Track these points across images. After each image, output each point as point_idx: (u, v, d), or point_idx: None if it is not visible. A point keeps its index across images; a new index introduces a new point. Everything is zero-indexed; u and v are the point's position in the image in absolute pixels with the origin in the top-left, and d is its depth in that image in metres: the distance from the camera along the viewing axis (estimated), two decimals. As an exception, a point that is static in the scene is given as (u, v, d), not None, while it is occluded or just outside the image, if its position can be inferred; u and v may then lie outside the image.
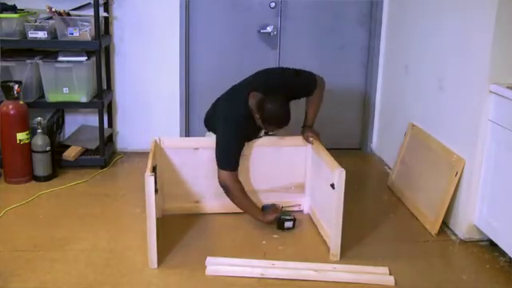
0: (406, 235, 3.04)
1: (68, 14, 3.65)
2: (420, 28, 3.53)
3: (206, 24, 4.12)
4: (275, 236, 2.96)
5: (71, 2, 3.77)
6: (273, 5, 4.08)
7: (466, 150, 2.92)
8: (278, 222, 3.01)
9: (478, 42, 2.79)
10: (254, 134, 3.12)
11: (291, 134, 3.22)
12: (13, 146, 3.53)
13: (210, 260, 2.66)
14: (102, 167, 3.87)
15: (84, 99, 3.76)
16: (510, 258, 2.72)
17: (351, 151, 4.40)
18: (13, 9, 3.68)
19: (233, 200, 2.97)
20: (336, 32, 4.21)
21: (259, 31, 4.12)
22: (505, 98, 2.63)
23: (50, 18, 3.72)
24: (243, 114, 2.95)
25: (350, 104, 4.39)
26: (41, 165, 3.61)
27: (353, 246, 2.85)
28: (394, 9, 4.02)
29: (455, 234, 3.00)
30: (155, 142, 3.04)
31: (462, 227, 2.96)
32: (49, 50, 3.83)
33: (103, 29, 3.90)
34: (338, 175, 2.64)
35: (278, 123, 2.91)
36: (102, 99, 3.81)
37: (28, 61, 3.67)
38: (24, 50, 3.79)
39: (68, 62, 3.70)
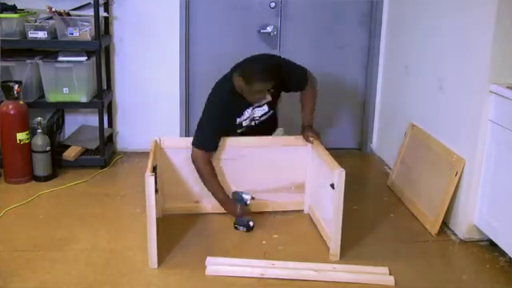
0: (405, 235, 3.04)
1: (68, 14, 3.65)
2: (420, 28, 3.53)
3: (206, 24, 4.12)
4: (275, 236, 2.96)
5: (71, 2, 3.77)
6: (273, 5, 4.08)
7: (466, 149, 2.92)
8: (235, 223, 3.02)
9: (478, 41, 2.79)
10: (239, 112, 3.05)
11: (292, 134, 3.23)
12: (13, 146, 3.53)
13: (209, 260, 2.66)
14: (102, 167, 3.87)
15: (84, 99, 3.76)
16: (510, 257, 2.72)
17: (351, 151, 4.40)
18: (13, 9, 3.68)
19: (202, 181, 3.02)
20: (336, 32, 4.21)
21: (259, 31, 4.12)
22: (505, 98, 2.63)
23: (50, 18, 3.72)
24: (228, 89, 2.95)
25: (349, 104, 4.39)
26: (41, 165, 3.61)
27: (353, 246, 2.85)
28: (393, 9, 4.02)
29: (455, 234, 3.00)
30: (155, 142, 3.04)
31: (462, 227, 2.96)
32: (49, 50, 3.83)
33: (103, 29, 3.89)
34: (338, 175, 2.64)
35: (259, 80, 2.82)
36: (102, 99, 3.81)
37: (28, 61, 3.67)
38: (24, 50, 3.79)
39: (68, 61, 3.70)
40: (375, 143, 4.37)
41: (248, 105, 3.03)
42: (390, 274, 2.59)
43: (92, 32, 3.64)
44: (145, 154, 2.86)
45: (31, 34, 3.62)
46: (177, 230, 2.96)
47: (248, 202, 3.02)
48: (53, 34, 3.67)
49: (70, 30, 3.62)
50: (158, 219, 2.61)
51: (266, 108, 3.12)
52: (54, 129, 3.85)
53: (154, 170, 2.73)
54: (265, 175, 3.15)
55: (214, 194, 3.06)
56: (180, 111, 4.19)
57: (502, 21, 2.65)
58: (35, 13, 3.80)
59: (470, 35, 2.89)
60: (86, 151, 3.92)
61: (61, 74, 3.71)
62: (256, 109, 3.08)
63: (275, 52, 4.15)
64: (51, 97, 3.75)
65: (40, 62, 3.67)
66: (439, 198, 3.03)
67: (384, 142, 4.21)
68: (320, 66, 3.97)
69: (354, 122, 4.44)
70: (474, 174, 2.84)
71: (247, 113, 3.08)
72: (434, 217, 3.05)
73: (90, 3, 3.71)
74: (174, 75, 4.12)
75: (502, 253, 2.76)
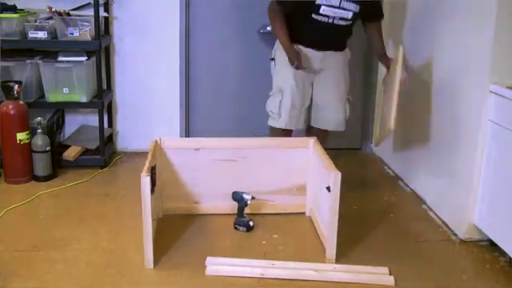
0: (405, 235, 3.04)
1: (68, 14, 3.66)
2: (420, 28, 3.53)
3: (206, 24, 4.12)
4: (275, 236, 2.96)
5: (71, 2, 3.77)
6: (273, 5, 4.08)
7: (466, 149, 2.92)
8: (235, 223, 3.02)
9: (478, 42, 2.79)
10: None
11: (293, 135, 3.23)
12: (13, 146, 3.53)
13: (210, 260, 2.66)
14: (102, 167, 3.87)
15: (84, 99, 3.76)
16: (510, 257, 2.72)
17: (351, 151, 4.40)
18: (13, 9, 3.68)
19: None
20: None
21: (259, 31, 4.12)
22: (505, 98, 2.63)
23: (50, 18, 3.72)
24: None
25: (349, 104, 4.39)
26: (41, 165, 3.61)
27: (353, 245, 2.85)
28: (394, 9, 4.02)
29: (455, 234, 3.00)
30: (155, 142, 3.04)
31: (461, 227, 2.96)
32: (49, 50, 3.83)
33: (103, 29, 3.90)
34: (334, 178, 2.63)
35: None
36: (102, 99, 3.82)
37: (28, 61, 3.67)
38: (24, 50, 3.79)
39: (68, 62, 3.70)
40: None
41: None
42: (390, 274, 2.59)
43: (92, 32, 3.64)
44: (145, 154, 2.86)
45: (31, 34, 3.62)
46: (177, 230, 2.97)
47: (248, 203, 3.02)
48: (53, 34, 3.67)
49: (70, 29, 3.62)
50: (158, 219, 2.61)
51: (349, 14, 3.17)
52: (54, 129, 3.85)
53: (153, 169, 2.73)
54: (266, 177, 3.15)
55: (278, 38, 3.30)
56: (180, 111, 4.19)
57: (502, 21, 2.65)
58: (35, 13, 3.81)
59: (470, 35, 2.89)
60: (86, 151, 3.92)
61: (61, 74, 3.72)
62: (344, 2, 3.12)
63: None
64: (51, 97, 3.75)
65: (40, 62, 3.67)
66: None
67: (384, 142, 4.20)
68: (320, 65, 3.97)
69: (354, 121, 4.42)
70: (474, 173, 2.84)
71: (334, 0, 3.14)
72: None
73: (89, 3, 3.71)
74: (174, 75, 4.12)
75: (502, 253, 2.76)
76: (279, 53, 3.32)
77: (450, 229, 3.06)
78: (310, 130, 3.51)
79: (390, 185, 3.74)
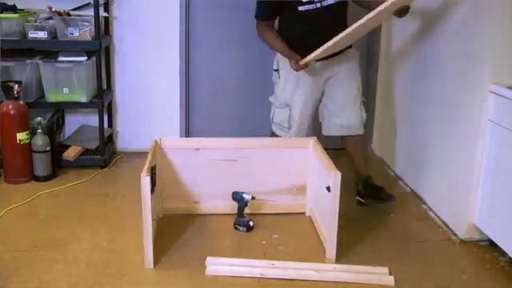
0: (405, 235, 3.04)
1: (68, 14, 3.66)
2: (420, 27, 3.53)
3: (206, 24, 4.12)
4: (275, 236, 2.96)
5: (71, 2, 3.77)
6: (273, 5, 4.08)
7: (466, 149, 2.92)
8: (235, 223, 3.02)
9: (478, 42, 2.79)
10: None
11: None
12: (13, 146, 3.53)
13: (210, 260, 2.66)
14: (102, 167, 3.87)
15: (84, 99, 3.76)
16: (510, 257, 2.72)
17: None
18: (13, 9, 3.68)
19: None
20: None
21: (259, 31, 4.12)
22: (505, 98, 2.62)
23: (50, 18, 3.72)
24: None
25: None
26: (41, 165, 3.61)
27: (353, 246, 2.85)
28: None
29: (455, 234, 3.00)
30: (155, 142, 3.04)
31: (462, 227, 2.96)
32: (49, 50, 3.83)
33: (103, 29, 3.89)
34: (334, 178, 2.63)
35: None
36: (102, 99, 3.82)
37: (28, 61, 3.67)
38: (24, 49, 3.79)
39: (68, 62, 3.70)
40: (375, 143, 4.37)
41: None
42: (390, 274, 2.59)
43: (92, 32, 3.64)
44: (145, 154, 2.86)
45: (31, 34, 3.62)
46: (177, 230, 2.97)
47: (248, 203, 3.02)
48: (53, 34, 3.67)
49: (70, 29, 3.62)
50: (158, 219, 2.61)
51: None
52: (54, 129, 3.85)
53: (153, 169, 2.73)
54: (266, 177, 3.15)
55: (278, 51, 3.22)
56: (180, 111, 4.19)
57: (502, 21, 2.65)
58: (35, 13, 3.81)
59: (470, 35, 2.89)
60: (86, 151, 3.92)
61: (61, 74, 3.72)
62: None
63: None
64: (51, 97, 3.75)
65: (40, 62, 3.67)
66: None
67: (385, 143, 4.21)
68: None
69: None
70: (474, 173, 2.84)
71: None
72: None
73: (89, 3, 3.71)
74: (174, 75, 4.12)
75: (502, 253, 2.76)
76: (282, 64, 3.23)
77: (450, 229, 3.06)
78: (344, 142, 3.39)
79: (390, 185, 3.74)
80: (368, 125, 4.33)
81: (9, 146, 3.54)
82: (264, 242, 2.89)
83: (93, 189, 3.55)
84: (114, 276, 2.54)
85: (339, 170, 2.65)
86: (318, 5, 3.01)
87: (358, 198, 3.34)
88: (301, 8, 3.02)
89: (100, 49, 3.71)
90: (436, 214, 3.24)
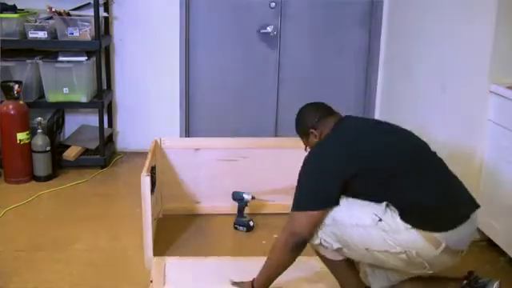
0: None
1: (68, 14, 3.66)
2: (420, 28, 3.53)
3: (206, 24, 4.12)
4: (275, 236, 2.95)
5: (71, 2, 3.77)
6: (273, 5, 4.08)
7: (466, 150, 2.92)
8: (235, 223, 3.02)
9: (478, 42, 2.79)
10: None
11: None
12: (13, 146, 3.53)
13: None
14: (102, 167, 3.87)
15: (84, 99, 3.76)
16: (510, 257, 2.72)
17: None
18: (13, 9, 3.68)
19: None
20: (336, 32, 4.21)
21: (259, 31, 4.12)
22: (505, 98, 2.62)
23: (50, 17, 3.72)
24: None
25: (349, 104, 4.38)
26: (41, 165, 3.61)
27: (353, 246, 2.84)
28: (394, 9, 4.02)
29: (455, 234, 3.00)
30: (155, 142, 3.04)
31: (462, 227, 2.95)
32: (49, 50, 3.83)
33: (103, 29, 3.90)
34: None
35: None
36: (102, 99, 3.82)
37: (28, 61, 3.67)
38: (24, 49, 3.79)
39: (68, 62, 3.70)
40: (375, 143, 4.36)
41: None
42: (390, 274, 2.58)
43: (92, 32, 3.64)
44: (145, 154, 2.86)
45: (31, 34, 3.62)
46: (177, 231, 2.96)
47: (248, 203, 3.02)
48: (53, 34, 3.67)
49: (70, 29, 3.62)
50: (158, 219, 2.61)
51: None
52: (54, 129, 3.85)
53: (153, 170, 2.73)
54: (266, 177, 3.14)
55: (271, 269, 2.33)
56: (180, 111, 4.19)
57: (502, 21, 2.65)
58: (35, 13, 3.81)
59: (470, 35, 2.89)
60: (86, 151, 3.92)
61: (61, 74, 3.72)
62: None
63: (275, 52, 4.15)
64: (51, 97, 3.75)
65: (40, 62, 3.67)
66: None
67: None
68: (320, 66, 3.98)
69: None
70: (474, 173, 2.84)
71: None
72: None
73: (89, 3, 3.71)
74: (174, 75, 4.12)
75: (502, 253, 2.76)
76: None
77: (450, 229, 3.06)
78: None
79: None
80: (368, 125, 4.36)
81: (9, 146, 3.54)
82: (264, 242, 2.89)
83: (93, 189, 3.55)
84: (113, 276, 2.54)
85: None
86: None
87: None
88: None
89: (100, 49, 3.71)
90: (436, 214, 3.23)
